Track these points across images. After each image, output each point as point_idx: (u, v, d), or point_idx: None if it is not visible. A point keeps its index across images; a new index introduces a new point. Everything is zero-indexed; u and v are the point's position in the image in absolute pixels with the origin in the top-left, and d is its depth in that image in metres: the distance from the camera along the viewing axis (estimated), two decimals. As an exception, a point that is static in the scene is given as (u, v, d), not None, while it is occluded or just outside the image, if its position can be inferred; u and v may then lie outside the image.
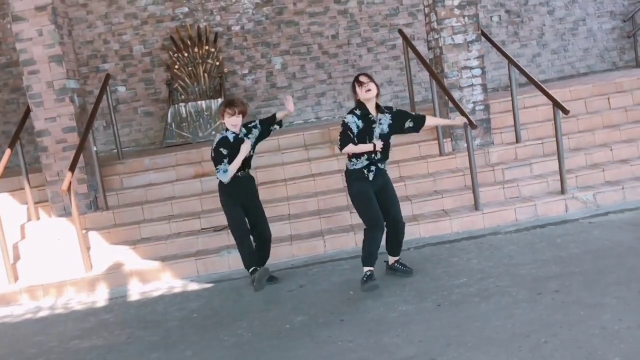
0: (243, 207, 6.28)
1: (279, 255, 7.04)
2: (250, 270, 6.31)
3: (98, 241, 7.62)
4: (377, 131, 5.71)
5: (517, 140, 8.22)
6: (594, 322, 4.34)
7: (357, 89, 5.68)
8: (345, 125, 5.66)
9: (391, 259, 6.07)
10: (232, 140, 6.06)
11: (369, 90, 5.65)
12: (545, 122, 8.06)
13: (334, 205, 7.63)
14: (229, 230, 6.50)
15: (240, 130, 6.13)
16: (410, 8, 12.10)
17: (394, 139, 7.44)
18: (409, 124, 5.91)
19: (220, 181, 6.13)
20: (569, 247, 6.09)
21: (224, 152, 6.01)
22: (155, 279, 7.07)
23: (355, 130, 5.64)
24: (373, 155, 5.69)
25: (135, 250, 7.39)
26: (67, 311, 6.59)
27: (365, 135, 5.66)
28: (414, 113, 6.12)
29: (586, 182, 7.61)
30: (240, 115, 6.06)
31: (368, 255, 5.73)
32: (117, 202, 8.19)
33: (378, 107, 5.77)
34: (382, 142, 5.68)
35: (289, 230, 7.40)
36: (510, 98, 8.28)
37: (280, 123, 6.37)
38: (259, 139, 6.29)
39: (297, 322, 5.26)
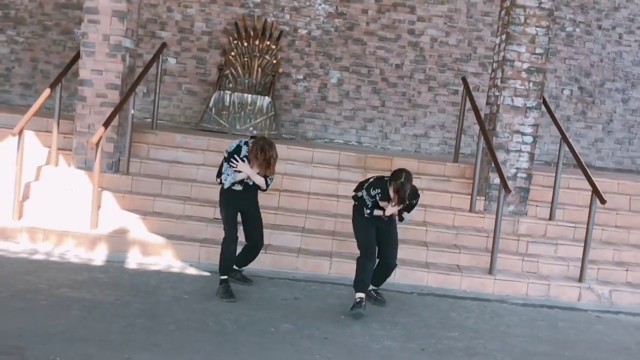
0: (241, 213, 6.82)
1: (282, 264, 7.61)
2: (222, 278, 6.67)
3: (110, 202, 8.21)
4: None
5: (551, 218, 8.71)
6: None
7: (391, 195, 6.27)
8: (362, 199, 6.53)
9: (370, 286, 6.75)
10: (240, 155, 6.56)
11: (394, 205, 6.34)
12: (584, 207, 8.47)
13: (351, 231, 8.12)
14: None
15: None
16: (482, 58, 12.63)
17: (428, 185, 8.01)
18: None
19: (222, 185, 6.67)
20: (568, 332, 6.55)
21: (231, 160, 6.60)
22: (156, 254, 7.63)
23: (370, 204, 6.45)
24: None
25: (144, 221, 7.97)
26: (62, 260, 7.18)
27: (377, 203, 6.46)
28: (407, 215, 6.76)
29: (607, 277, 8.05)
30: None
31: (359, 282, 6.46)
32: (139, 170, 8.79)
33: None
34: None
35: (299, 243, 7.95)
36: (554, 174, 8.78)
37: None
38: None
39: (282, 328, 5.78)
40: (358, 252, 6.90)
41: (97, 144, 7.71)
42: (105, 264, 7.22)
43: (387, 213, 6.39)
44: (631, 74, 13.11)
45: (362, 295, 6.39)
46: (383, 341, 5.71)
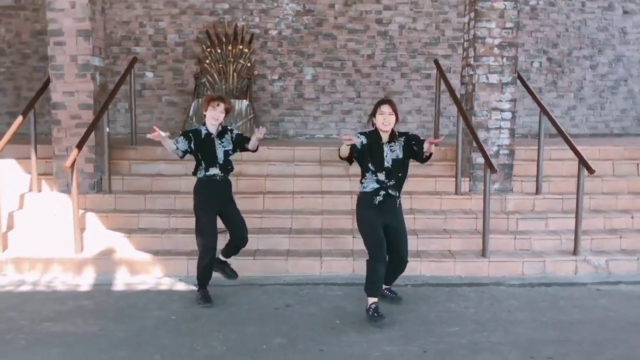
0: (219, 214, 6.00)
1: (272, 268, 6.82)
2: (200, 288, 6.07)
3: (94, 223, 7.43)
4: (389, 156, 5.48)
5: (537, 192, 7.93)
6: (584, 399, 4.04)
7: (378, 116, 5.47)
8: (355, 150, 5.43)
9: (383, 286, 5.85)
10: (202, 136, 5.90)
11: (387, 124, 5.45)
12: (569, 177, 7.77)
13: (338, 226, 7.38)
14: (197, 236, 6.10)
15: (217, 128, 5.95)
16: (451, 40, 11.88)
17: (410, 170, 7.10)
18: (416, 146, 5.54)
19: (196, 182, 6.00)
20: (571, 312, 5.77)
21: (190, 135, 5.88)
22: (144, 272, 6.86)
23: (359, 144, 5.37)
24: (384, 180, 5.47)
25: (130, 239, 7.19)
26: (48, 290, 6.42)
27: (373, 153, 5.45)
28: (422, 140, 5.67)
29: (601, 247, 7.27)
30: (224, 113, 5.92)
31: (370, 285, 5.47)
32: (122, 188, 8.01)
33: (392, 134, 5.54)
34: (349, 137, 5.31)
35: (288, 245, 7.16)
36: (537, 147, 8.00)
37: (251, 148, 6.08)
38: (233, 148, 6.02)
39: (275, 344, 5.00)
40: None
41: (72, 167, 6.90)
42: (92, 289, 6.44)
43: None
44: (597, 40, 12.35)
45: (374, 300, 5.46)
46: (382, 347, 4.92)
